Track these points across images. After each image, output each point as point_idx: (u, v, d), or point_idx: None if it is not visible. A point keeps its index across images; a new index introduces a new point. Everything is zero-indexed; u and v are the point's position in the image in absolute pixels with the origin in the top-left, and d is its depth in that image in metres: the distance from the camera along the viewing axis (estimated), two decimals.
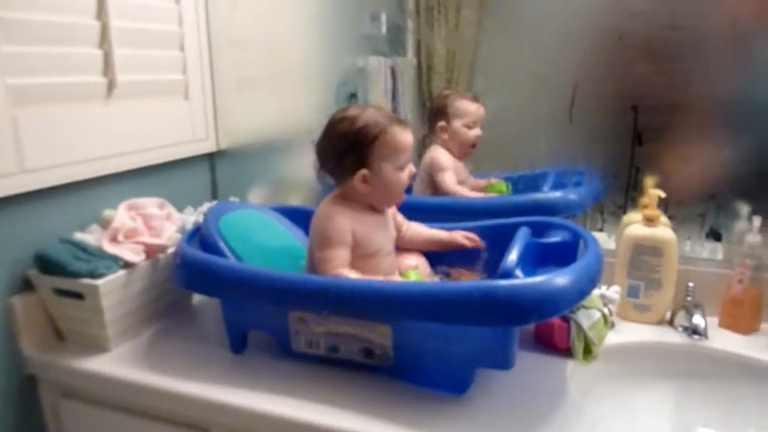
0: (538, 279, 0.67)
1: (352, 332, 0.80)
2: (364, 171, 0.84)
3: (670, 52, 1.00)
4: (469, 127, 1.13)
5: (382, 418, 0.72)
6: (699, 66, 0.99)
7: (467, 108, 1.13)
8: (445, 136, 1.14)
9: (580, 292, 0.71)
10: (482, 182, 1.16)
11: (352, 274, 0.83)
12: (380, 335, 0.78)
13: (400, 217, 0.96)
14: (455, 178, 1.14)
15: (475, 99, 1.14)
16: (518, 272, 0.74)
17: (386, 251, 0.89)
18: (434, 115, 1.16)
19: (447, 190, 1.12)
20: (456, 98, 1.13)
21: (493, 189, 1.15)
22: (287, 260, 0.93)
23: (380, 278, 0.84)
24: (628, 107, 1.04)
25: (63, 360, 0.89)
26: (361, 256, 0.86)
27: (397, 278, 0.88)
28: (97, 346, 0.91)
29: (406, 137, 0.85)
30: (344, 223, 0.85)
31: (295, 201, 1.25)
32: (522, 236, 0.84)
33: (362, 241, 0.86)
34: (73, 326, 0.92)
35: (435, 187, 1.14)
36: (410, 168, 0.87)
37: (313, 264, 0.87)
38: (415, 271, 0.89)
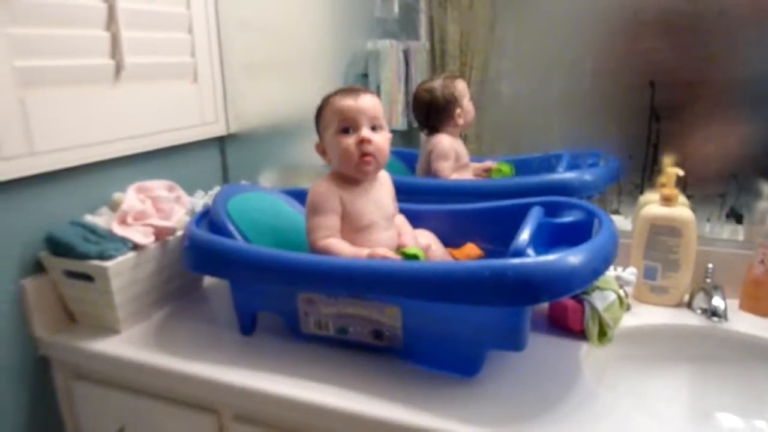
0: (550, 257, 0.65)
1: (361, 313, 0.79)
2: (317, 141, 0.90)
3: (688, 26, 0.97)
4: (469, 101, 1.14)
5: (392, 400, 0.71)
6: (718, 39, 0.95)
7: (464, 86, 1.14)
8: (461, 121, 1.13)
9: (593, 271, 0.69)
10: (486, 165, 1.15)
11: (342, 245, 0.82)
12: (390, 316, 0.77)
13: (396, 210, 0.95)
14: (453, 165, 1.13)
15: (461, 75, 1.16)
16: (530, 251, 0.73)
17: (382, 226, 0.88)
18: (446, 107, 1.12)
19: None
20: (453, 81, 1.13)
21: (499, 173, 1.13)
22: (296, 242, 0.92)
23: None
24: (644, 84, 1.01)
25: (74, 342, 0.89)
26: (354, 229, 0.85)
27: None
28: (107, 327, 0.91)
29: (344, 102, 0.84)
30: (330, 191, 0.85)
31: (305, 184, 1.23)
32: (534, 215, 0.81)
33: (351, 212, 0.85)
34: (84, 308, 0.92)
35: (431, 175, 1.13)
36: (359, 134, 0.83)
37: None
38: (414, 248, 0.85)
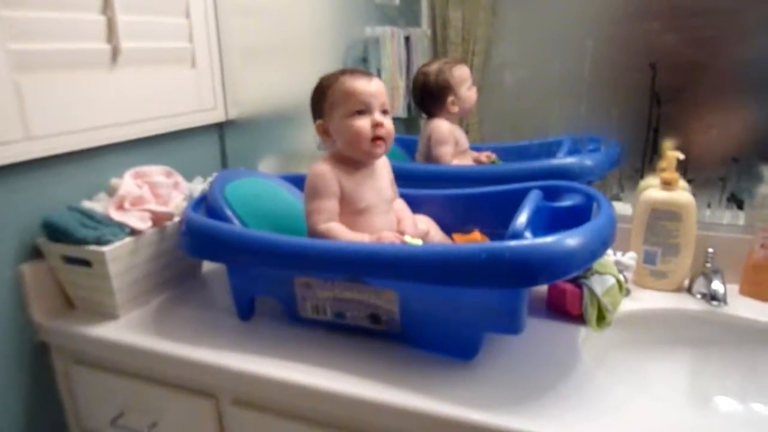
0: (547, 239, 0.65)
1: (358, 297, 0.78)
2: (319, 121, 0.88)
3: (689, 7, 0.95)
4: (469, 89, 1.13)
5: (389, 384, 0.71)
6: (721, 21, 0.94)
7: (465, 73, 1.12)
8: (456, 109, 1.12)
9: (591, 253, 0.68)
10: (482, 158, 1.14)
11: (343, 230, 0.82)
12: (387, 300, 0.77)
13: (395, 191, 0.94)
14: (453, 151, 1.12)
15: (464, 61, 1.14)
16: (528, 234, 0.72)
17: (380, 209, 0.87)
18: (439, 93, 1.11)
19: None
20: (452, 67, 1.11)
21: None
22: (293, 227, 0.92)
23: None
24: (645, 66, 0.99)
25: (73, 327, 0.89)
26: (352, 212, 0.85)
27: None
28: (106, 313, 0.91)
29: (356, 83, 0.84)
30: (329, 174, 0.85)
31: (304, 169, 1.23)
32: (533, 198, 0.81)
33: (350, 195, 0.85)
34: (83, 294, 0.92)
35: (431, 161, 1.12)
36: (373, 117, 0.83)
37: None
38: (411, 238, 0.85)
